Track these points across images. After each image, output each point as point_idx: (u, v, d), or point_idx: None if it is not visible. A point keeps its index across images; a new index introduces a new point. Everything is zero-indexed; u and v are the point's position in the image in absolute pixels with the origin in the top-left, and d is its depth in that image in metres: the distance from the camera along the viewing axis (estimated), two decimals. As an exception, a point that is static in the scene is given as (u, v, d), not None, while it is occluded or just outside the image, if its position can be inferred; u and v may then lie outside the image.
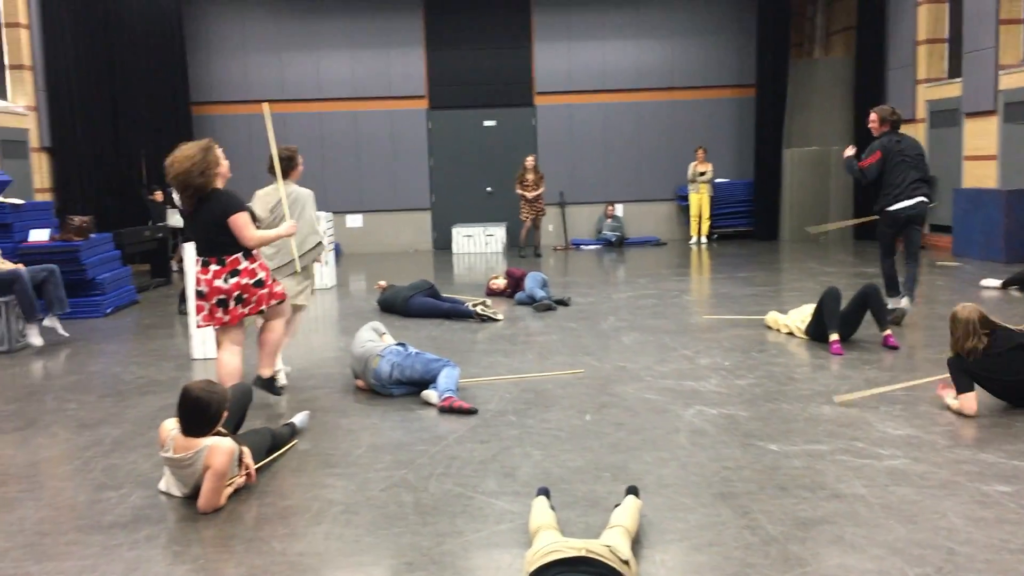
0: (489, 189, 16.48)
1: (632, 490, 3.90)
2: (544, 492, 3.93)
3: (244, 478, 4.25)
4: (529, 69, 16.36)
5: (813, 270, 11.78)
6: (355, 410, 5.72)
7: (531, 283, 9.72)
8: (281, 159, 6.48)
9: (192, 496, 4.11)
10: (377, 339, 6.28)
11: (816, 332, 7.13)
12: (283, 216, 6.15)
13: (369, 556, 3.54)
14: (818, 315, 7.11)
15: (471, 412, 5.49)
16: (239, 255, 5.29)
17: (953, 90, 13.25)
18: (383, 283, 10.09)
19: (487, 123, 16.52)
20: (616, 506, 3.69)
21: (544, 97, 16.44)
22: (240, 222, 5.22)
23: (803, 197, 15.92)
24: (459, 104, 16.36)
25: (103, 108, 14.46)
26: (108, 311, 9.94)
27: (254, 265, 5.37)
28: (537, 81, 16.37)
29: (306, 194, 6.66)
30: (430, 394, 5.75)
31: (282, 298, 5.58)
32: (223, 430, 4.24)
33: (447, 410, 5.52)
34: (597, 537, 3.36)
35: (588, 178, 16.54)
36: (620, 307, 9.38)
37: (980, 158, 12.71)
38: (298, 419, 5.20)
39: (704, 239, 15.77)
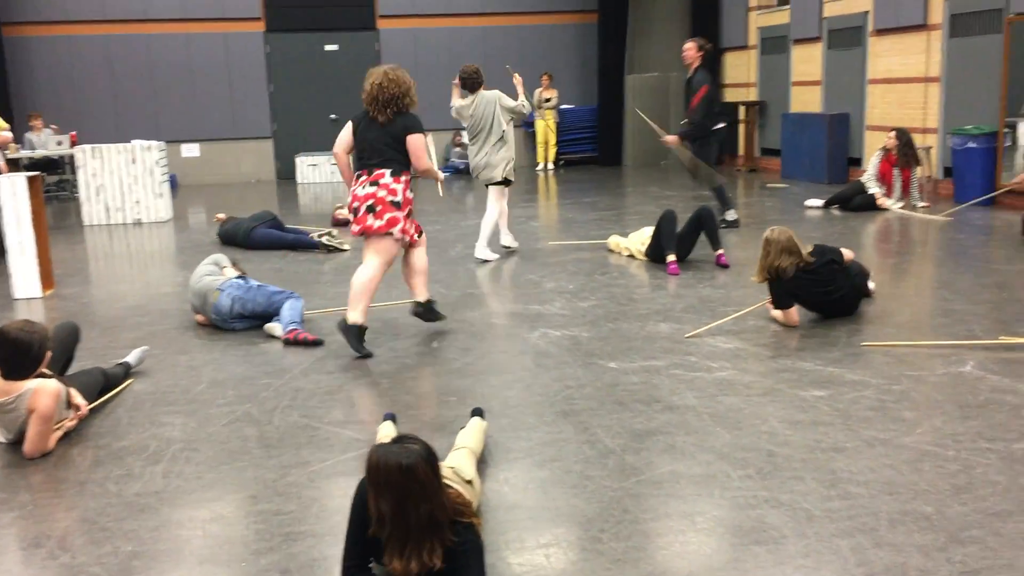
0: (334, 116, 16.04)
1: (477, 412, 3.97)
2: (391, 417, 3.96)
3: (74, 420, 4.07)
4: (371, -9, 15.89)
5: (654, 194, 12.16)
6: (195, 346, 5.55)
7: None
8: (468, 76, 7.73)
9: (17, 442, 3.91)
10: (217, 272, 6.07)
11: (655, 253, 7.40)
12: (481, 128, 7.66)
13: (211, 492, 3.48)
14: (656, 237, 7.36)
15: (317, 344, 5.42)
16: (386, 171, 5.21)
17: (782, 17, 13.78)
18: (222, 215, 9.72)
19: (328, 47, 15.99)
20: (461, 429, 3.76)
21: (387, 20, 16.03)
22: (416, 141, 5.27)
23: (644, 123, 16.25)
24: (298, 27, 15.74)
25: None
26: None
27: (398, 184, 5.20)
28: (380, 3, 15.92)
29: (494, 97, 7.73)
30: (274, 327, 5.64)
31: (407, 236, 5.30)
32: (47, 371, 4.03)
33: (292, 343, 5.43)
34: (443, 460, 3.42)
35: (435, 105, 16.32)
36: (468, 234, 9.40)
37: (806, 83, 13.34)
38: (132, 356, 5.00)
39: (551, 165, 15.94)
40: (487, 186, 7.87)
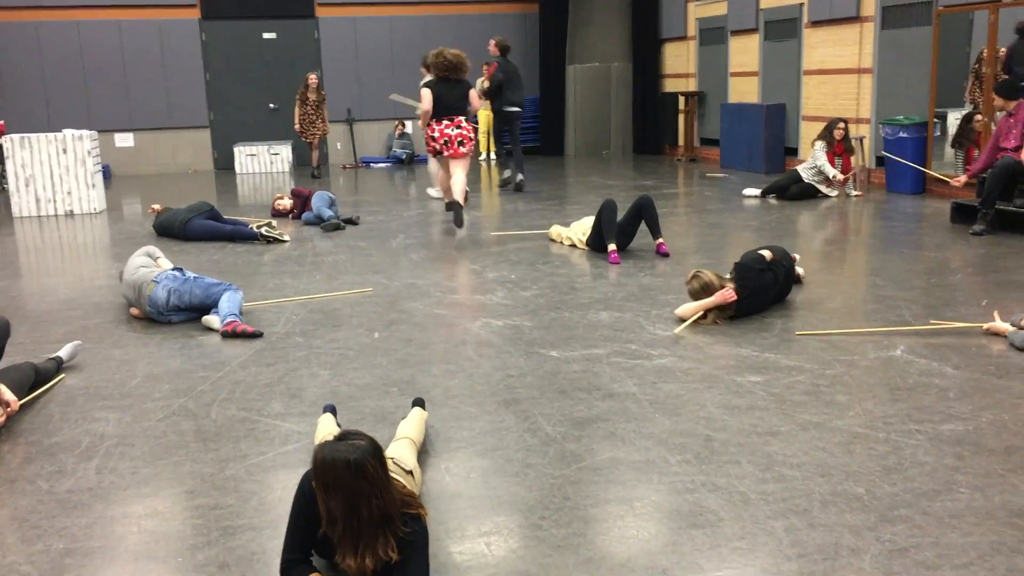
0: (273, 106, 15.83)
1: (418, 402, 3.96)
2: (330, 409, 3.93)
3: (3, 417, 3.96)
4: (309, -22, 15.67)
5: (596, 184, 12.24)
6: (129, 339, 5.44)
7: (318, 202, 9.51)
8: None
9: (-57, 441, 3.80)
10: (151, 264, 5.96)
11: (596, 243, 7.44)
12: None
13: (147, 487, 3.42)
14: (597, 227, 7.41)
15: (256, 335, 5.36)
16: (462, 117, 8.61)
17: (720, 8, 13.94)
18: (158, 206, 9.54)
19: (267, 35, 15.74)
20: (402, 419, 3.75)
21: (326, 8, 15.84)
22: (474, 93, 8.71)
23: (586, 113, 16.37)
24: (235, 15, 15.47)
25: None
26: None
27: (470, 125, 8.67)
28: (318, -9, 15.72)
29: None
30: (212, 319, 5.56)
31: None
32: (-25, 368, 3.92)
33: (230, 335, 5.36)
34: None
35: (376, 94, 16.20)
36: (410, 225, 9.38)
37: (744, 74, 13.52)
38: (65, 351, 4.88)
39: (493, 155, 15.93)
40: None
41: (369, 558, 2.50)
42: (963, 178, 8.48)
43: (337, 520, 2.50)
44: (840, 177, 10.04)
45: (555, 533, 3.01)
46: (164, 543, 3.02)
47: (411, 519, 2.59)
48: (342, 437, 2.58)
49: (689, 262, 7.07)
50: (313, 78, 14.09)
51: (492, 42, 11.75)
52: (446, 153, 8.51)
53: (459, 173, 8.49)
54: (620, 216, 7.43)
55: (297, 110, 14.12)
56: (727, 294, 5.29)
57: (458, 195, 8.44)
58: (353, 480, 2.46)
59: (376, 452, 2.55)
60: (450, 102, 8.46)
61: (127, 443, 3.84)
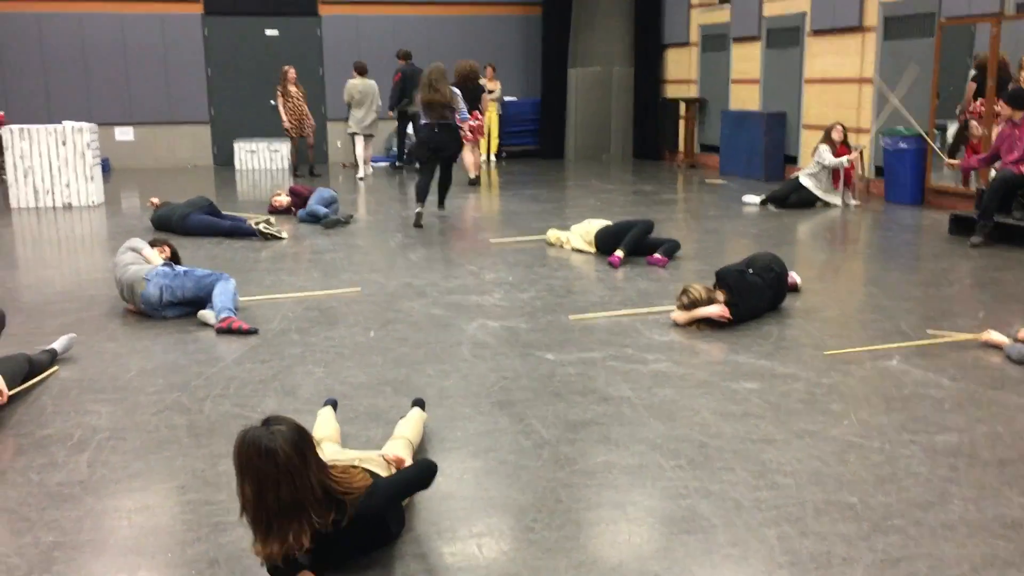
0: (274, 102, 15.77)
1: (418, 402, 3.95)
2: (332, 403, 3.93)
3: (-5, 408, 3.95)
4: (313, -24, 15.65)
5: (595, 187, 12.23)
6: (124, 333, 5.42)
7: (316, 200, 9.49)
8: (359, 65, 13.43)
9: (-66, 430, 3.78)
10: (140, 260, 5.88)
11: (608, 243, 7.36)
12: (364, 101, 13.36)
13: (138, 482, 3.41)
14: (620, 231, 7.35)
15: (251, 332, 5.34)
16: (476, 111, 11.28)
17: (723, 15, 13.94)
18: (156, 200, 9.51)
19: (269, 32, 15.72)
20: (401, 418, 3.74)
21: (330, 7, 15.82)
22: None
23: (587, 117, 16.36)
24: (238, 11, 15.44)
25: None
26: None
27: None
28: (322, -11, 15.70)
29: (373, 85, 13.44)
30: (207, 314, 5.54)
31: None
32: (-32, 358, 3.90)
33: (225, 331, 5.34)
34: (379, 449, 3.40)
35: (380, 93, 16.14)
36: (408, 224, 9.36)
37: (745, 82, 13.52)
38: (59, 343, 4.86)
39: (493, 157, 15.92)
40: (365, 136, 13.46)
41: (276, 545, 2.48)
42: (958, 162, 8.63)
43: (248, 505, 2.49)
44: (848, 159, 10.02)
45: (547, 536, 3.00)
46: (154, 538, 3.01)
47: (339, 506, 2.56)
48: (266, 422, 2.55)
49: (688, 267, 7.07)
50: (292, 71, 13.90)
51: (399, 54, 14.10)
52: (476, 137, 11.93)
53: (468, 154, 11.85)
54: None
55: (282, 106, 13.82)
56: (724, 313, 5.31)
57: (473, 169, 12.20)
58: (263, 466, 2.44)
59: (294, 439, 2.50)
60: (469, 102, 10.61)
61: (119, 437, 3.83)
